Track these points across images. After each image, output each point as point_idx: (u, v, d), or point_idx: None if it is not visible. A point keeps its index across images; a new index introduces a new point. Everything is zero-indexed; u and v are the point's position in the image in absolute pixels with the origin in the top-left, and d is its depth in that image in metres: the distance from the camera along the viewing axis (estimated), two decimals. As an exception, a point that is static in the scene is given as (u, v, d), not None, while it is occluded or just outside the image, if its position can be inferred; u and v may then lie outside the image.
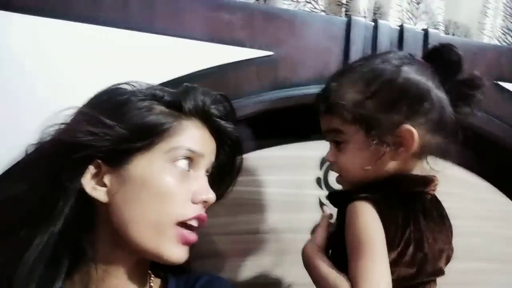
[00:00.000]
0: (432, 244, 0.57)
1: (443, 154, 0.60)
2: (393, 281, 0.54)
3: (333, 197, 0.64)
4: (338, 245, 0.58)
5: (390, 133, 0.55)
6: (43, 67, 0.67)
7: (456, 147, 0.59)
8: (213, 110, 0.59)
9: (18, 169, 0.61)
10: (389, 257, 0.53)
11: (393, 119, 0.55)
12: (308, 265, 0.59)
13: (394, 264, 0.54)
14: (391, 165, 0.57)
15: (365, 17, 0.94)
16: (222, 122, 0.60)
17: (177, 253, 0.54)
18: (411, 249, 0.55)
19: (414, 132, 0.54)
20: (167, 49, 0.73)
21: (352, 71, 0.59)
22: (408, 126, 0.55)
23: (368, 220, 0.54)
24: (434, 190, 0.60)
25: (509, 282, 0.93)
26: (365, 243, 0.52)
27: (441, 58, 0.59)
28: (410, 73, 0.56)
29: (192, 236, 0.55)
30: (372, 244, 0.52)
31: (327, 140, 0.62)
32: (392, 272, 0.53)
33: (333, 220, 0.63)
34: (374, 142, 0.55)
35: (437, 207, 0.61)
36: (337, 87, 0.58)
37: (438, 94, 0.57)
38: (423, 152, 0.58)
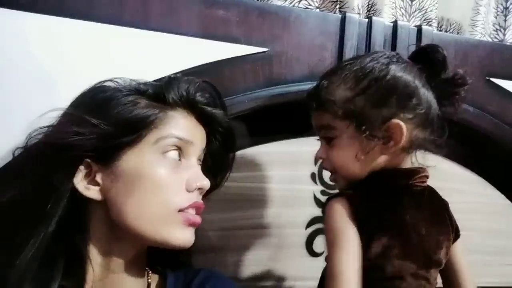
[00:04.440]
0: (426, 236, 0.58)
1: (432, 149, 0.61)
2: (388, 274, 0.55)
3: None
4: None
5: (379, 127, 0.57)
6: (35, 65, 0.66)
7: (444, 142, 0.60)
8: (198, 97, 0.58)
9: (7, 172, 0.60)
10: (371, 250, 0.55)
11: (382, 114, 0.57)
12: None
13: (382, 257, 0.55)
14: (381, 160, 0.59)
15: (359, 14, 0.95)
16: (209, 109, 0.59)
17: (184, 236, 0.54)
18: (398, 241, 0.56)
19: (402, 126, 0.56)
20: (162, 46, 0.73)
21: (343, 69, 0.61)
22: (397, 121, 0.56)
23: (336, 218, 0.56)
24: (422, 182, 0.61)
25: (500, 274, 0.94)
26: (333, 241, 0.56)
27: (427, 57, 0.61)
28: (398, 71, 0.58)
29: (197, 218, 0.55)
30: (338, 240, 0.55)
31: (318, 137, 0.64)
32: (381, 265, 0.55)
33: None
34: (364, 136, 0.57)
35: (431, 199, 0.62)
36: (328, 84, 0.60)
37: (425, 91, 0.59)
38: (412, 147, 0.59)
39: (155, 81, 0.66)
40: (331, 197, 0.60)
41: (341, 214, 0.56)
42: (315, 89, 0.62)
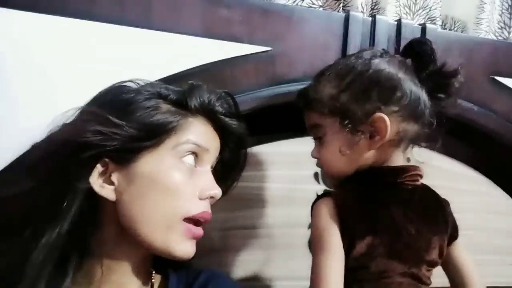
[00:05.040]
0: (416, 235, 0.58)
1: (424, 143, 0.61)
2: (374, 273, 0.55)
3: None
4: None
5: (364, 122, 0.57)
6: (36, 65, 0.66)
7: (437, 136, 0.61)
8: (218, 107, 0.59)
9: (20, 166, 0.61)
10: (355, 249, 0.55)
11: (366, 109, 0.57)
12: None
13: (366, 256, 0.55)
14: (369, 155, 0.59)
15: (363, 12, 0.94)
16: (227, 119, 0.60)
17: (185, 248, 0.55)
18: (384, 240, 0.56)
19: (386, 119, 0.56)
20: (164, 45, 0.72)
21: (329, 69, 0.62)
22: (379, 114, 0.57)
23: (320, 219, 0.57)
24: (414, 180, 0.60)
25: (506, 274, 0.94)
26: (317, 242, 0.56)
27: (414, 51, 0.61)
28: (381, 64, 0.59)
29: (199, 231, 0.56)
30: (322, 242, 0.56)
31: (312, 137, 0.65)
32: (366, 265, 0.55)
33: None
34: (349, 131, 0.58)
35: (423, 198, 0.61)
36: (315, 84, 0.62)
37: (411, 84, 0.59)
38: (400, 140, 0.59)
39: (160, 80, 0.66)
40: (318, 198, 0.60)
41: (325, 214, 0.57)
42: (304, 90, 0.64)
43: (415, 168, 0.60)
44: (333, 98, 0.59)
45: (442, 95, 0.61)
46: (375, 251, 0.56)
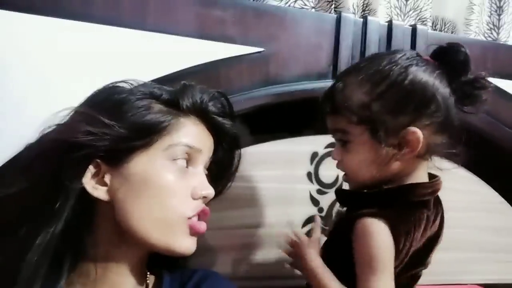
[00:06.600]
0: (430, 244, 0.59)
1: (449, 155, 0.60)
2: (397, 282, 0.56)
3: (342, 196, 0.64)
4: (334, 249, 0.60)
5: (395, 134, 0.55)
6: (31, 66, 0.66)
7: (462, 148, 0.59)
8: (211, 107, 0.59)
9: (15, 167, 0.61)
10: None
11: (399, 121, 0.55)
12: (311, 272, 0.61)
13: (402, 271, 0.57)
14: (395, 165, 0.57)
15: (354, 13, 0.95)
16: (220, 119, 0.60)
17: (186, 245, 0.55)
18: (411, 252, 0.57)
19: (419, 134, 0.54)
20: (158, 46, 0.73)
21: (359, 71, 0.58)
22: (413, 128, 0.54)
23: (382, 239, 0.54)
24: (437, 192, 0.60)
25: (496, 271, 0.95)
26: (378, 261, 0.54)
27: (448, 57, 0.58)
28: (417, 74, 0.55)
29: (202, 226, 0.56)
30: (384, 262, 0.54)
31: (334, 138, 0.63)
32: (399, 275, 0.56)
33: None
34: (379, 143, 0.55)
35: (436, 206, 0.61)
36: (344, 87, 0.58)
37: (444, 94, 0.56)
38: (428, 153, 0.57)
39: (153, 81, 0.66)
40: (362, 214, 0.56)
41: (385, 234, 0.54)
42: (330, 92, 0.60)
43: (441, 182, 0.60)
44: (364, 106, 0.55)
45: (467, 104, 0.58)
46: (408, 268, 0.57)
